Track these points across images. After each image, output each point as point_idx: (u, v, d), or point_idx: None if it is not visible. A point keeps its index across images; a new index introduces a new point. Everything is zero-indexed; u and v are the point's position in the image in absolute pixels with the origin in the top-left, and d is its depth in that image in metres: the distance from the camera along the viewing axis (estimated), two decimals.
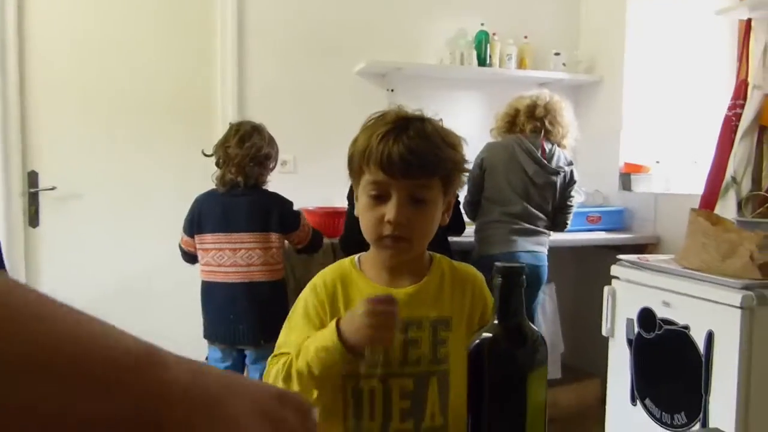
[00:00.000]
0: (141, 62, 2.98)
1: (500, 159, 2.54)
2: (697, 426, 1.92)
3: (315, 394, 0.93)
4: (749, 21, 2.57)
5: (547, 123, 2.57)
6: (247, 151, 2.19)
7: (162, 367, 0.32)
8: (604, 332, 2.32)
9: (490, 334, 0.69)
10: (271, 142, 2.28)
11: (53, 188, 2.84)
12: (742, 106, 2.47)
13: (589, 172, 3.34)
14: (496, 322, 0.69)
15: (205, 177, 2.34)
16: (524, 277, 0.69)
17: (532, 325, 0.70)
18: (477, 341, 0.69)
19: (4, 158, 2.76)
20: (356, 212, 1.03)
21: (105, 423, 0.28)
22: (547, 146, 2.56)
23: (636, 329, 2.18)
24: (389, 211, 0.95)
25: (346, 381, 0.96)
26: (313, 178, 3.10)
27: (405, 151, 0.93)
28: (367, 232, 1.00)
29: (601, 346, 2.40)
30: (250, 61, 3.14)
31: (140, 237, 2.98)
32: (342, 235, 2.46)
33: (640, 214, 3.22)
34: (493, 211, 2.52)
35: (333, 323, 0.92)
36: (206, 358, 2.33)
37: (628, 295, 2.24)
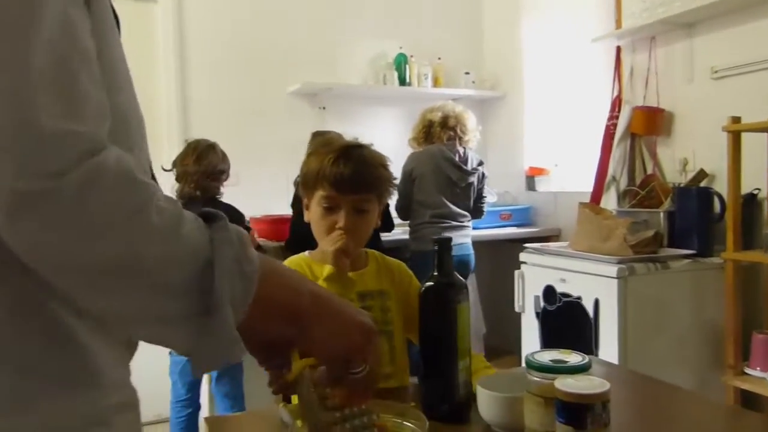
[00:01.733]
0: None
1: (428, 168, 2.93)
2: None
3: None
4: (619, 47, 3.11)
5: (458, 131, 3.02)
6: (204, 168, 2.45)
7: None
8: (516, 309, 2.77)
9: (433, 282, 1.05)
10: (225, 158, 2.56)
11: None
12: (617, 118, 2.99)
13: (499, 176, 3.82)
14: (435, 274, 1.06)
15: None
16: (451, 243, 1.06)
17: (458, 275, 1.07)
18: (424, 287, 1.05)
19: None
20: (308, 219, 1.32)
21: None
22: (462, 151, 2.99)
23: (542, 303, 2.64)
24: (340, 219, 1.26)
25: None
26: (253, 190, 3.37)
27: (352, 173, 1.24)
28: (320, 235, 1.29)
29: (516, 326, 2.84)
30: (191, 81, 3.40)
31: None
32: (288, 237, 2.78)
33: (543, 211, 3.71)
34: (425, 214, 2.91)
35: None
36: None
37: (534, 276, 2.69)
